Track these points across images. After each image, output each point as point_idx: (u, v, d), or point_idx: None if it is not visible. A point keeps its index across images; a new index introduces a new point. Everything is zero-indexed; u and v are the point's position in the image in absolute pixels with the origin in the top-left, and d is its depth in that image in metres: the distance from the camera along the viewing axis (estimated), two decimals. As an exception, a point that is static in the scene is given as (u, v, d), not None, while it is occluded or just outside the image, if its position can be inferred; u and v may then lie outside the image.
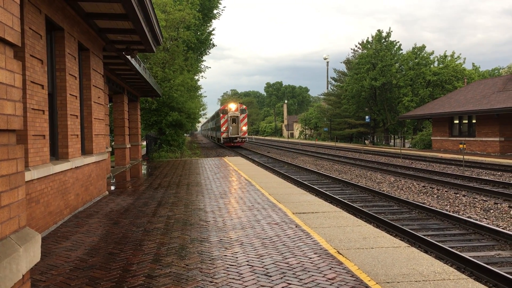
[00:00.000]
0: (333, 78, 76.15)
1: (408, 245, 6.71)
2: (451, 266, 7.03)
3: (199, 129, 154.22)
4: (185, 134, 46.99)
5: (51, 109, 8.86)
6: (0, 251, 2.19)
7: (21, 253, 2.41)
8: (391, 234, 9.02)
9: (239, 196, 11.49)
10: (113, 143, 23.77)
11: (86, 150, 11.29)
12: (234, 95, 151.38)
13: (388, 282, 4.99)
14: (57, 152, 9.22)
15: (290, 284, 5.01)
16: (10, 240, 2.40)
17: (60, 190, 8.71)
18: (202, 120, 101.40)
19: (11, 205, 2.46)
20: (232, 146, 50.19)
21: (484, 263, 7.18)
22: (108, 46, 13.03)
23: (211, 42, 44.40)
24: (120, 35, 12.20)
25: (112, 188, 14.30)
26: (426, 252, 8.01)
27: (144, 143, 35.52)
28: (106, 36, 12.36)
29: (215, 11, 43.31)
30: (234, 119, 50.36)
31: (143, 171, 20.77)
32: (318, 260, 5.90)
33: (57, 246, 6.98)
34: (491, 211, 12.11)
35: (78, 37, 10.24)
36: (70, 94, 9.57)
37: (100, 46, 12.58)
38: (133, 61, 16.01)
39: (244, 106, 53.39)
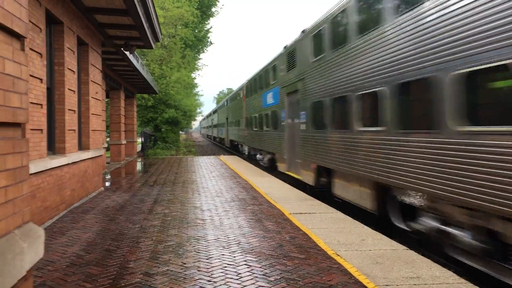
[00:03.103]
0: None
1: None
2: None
3: (194, 127, 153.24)
4: (180, 132, 46.75)
5: (49, 103, 8.78)
6: (5, 247, 2.14)
7: (25, 249, 2.36)
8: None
9: (235, 195, 11.45)
10: (108, 139, 23.66)
11: (82, 146, 11.21)
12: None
13: (388, 285, 4.96)
14: (54, 147, 9.14)
15: (289, 285, 4.98)
16: (15, 235, 2.35)
17: (57, 185, 8.64)
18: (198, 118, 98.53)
19: (15, 200, 2.42)
20: None
21: None
22: (107, 41, 12.96)
23: (209, 39, 44.32)
24: (119, 30, 12.13)
25: (107, 184, 14.22)
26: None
27: (140, 139, 35.41)
28: (105, 31, 12.28)
29: (213, 9, 43.22)
30: None
31: (138, 168, 20.67)
32: (323, 264, 5.87)
33: (53, 241, 6.91)
34: None
35: (77, 32, 10.16)
36: (68, 88, 9.49)
37: (99, 41, 12.50)
38: (131, 57, 15.94)
39: None
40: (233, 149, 33.82)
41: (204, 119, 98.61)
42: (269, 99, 19.23)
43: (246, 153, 27.09)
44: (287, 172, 15.95)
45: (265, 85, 20.44)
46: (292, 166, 15.35)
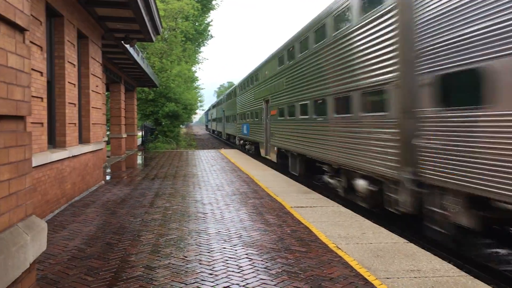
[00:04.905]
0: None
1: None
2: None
3: (194, 120, 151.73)
4: (180, 126, 46.74)
5: (49, 97, 8.76)
6: (8, 240, 2.15)
7: (29, 242, 2.37)
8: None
9: (236, 189, 11.46)
10: (109, 133, 23.65)
11: (83, 139, 11.21)
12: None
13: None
14: (54, 140, 9.14)
15: (290, 278, 5.00)
16: (18, 228, 2.36)
17: (57, 179, 8.64)
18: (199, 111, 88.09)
19: (19, 193, 2.42)
20: None
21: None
22: (107, 34, 12.91)
23: (209, 33, 44.20)
24: (119, 23, 12.09)
25: (108, 178, 14.23)
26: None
27: (140, 133, 35.40)
28: (105, 24, 12.24)
29: (213, 2, 43.06)
30: None
31: (139, 162, 20.69)
32: (323, 253, 5.89)
33: (54, 235, 6.92)
34: None
35: (77, 25, 10.12)
36: (68, 82, 9.47)
37: (99, 34, 12.46)
38: (131, 50, 15.90)
39: None
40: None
41: (214, 106, 67.76)
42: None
43: None
44: None
45: None
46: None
